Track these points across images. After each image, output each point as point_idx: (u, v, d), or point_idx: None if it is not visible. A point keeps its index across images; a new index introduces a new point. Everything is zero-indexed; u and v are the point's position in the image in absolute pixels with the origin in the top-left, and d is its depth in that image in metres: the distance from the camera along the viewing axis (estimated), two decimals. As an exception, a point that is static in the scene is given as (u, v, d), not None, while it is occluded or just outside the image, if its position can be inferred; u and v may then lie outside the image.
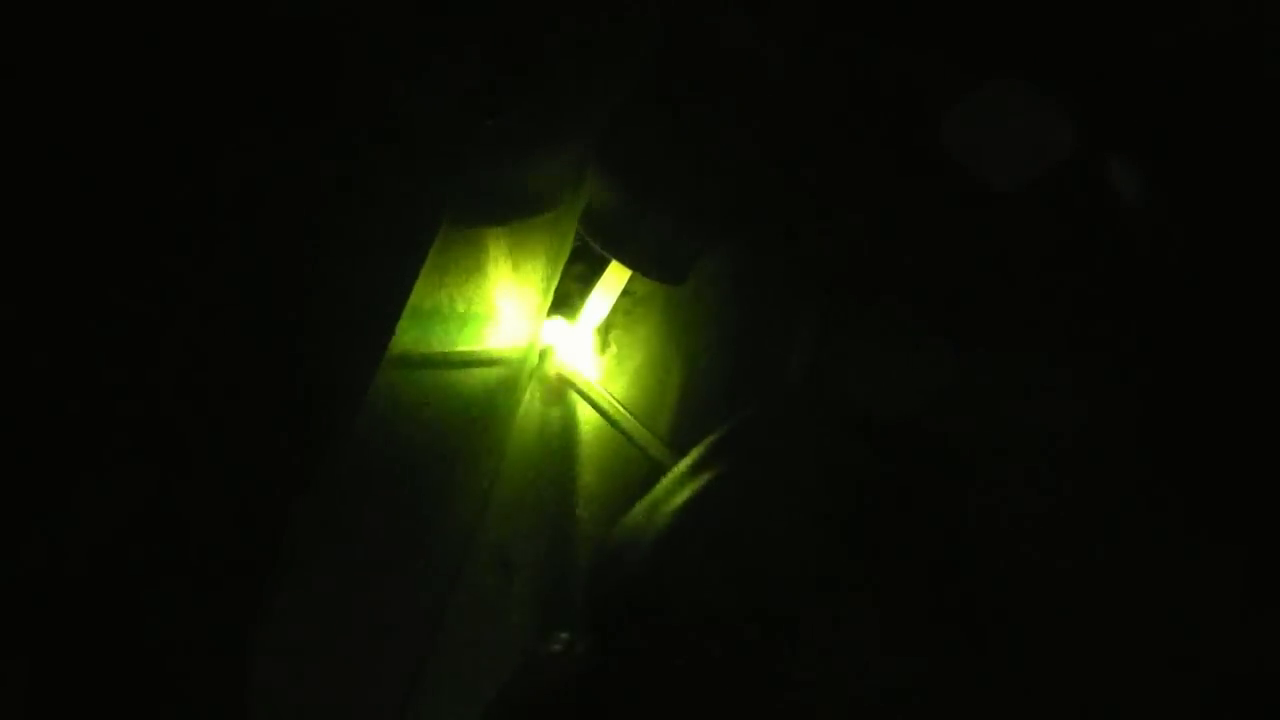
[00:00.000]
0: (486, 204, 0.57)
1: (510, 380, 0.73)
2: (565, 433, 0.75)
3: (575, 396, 0.75)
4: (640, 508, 0.55)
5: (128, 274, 0.47)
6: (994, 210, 0.53)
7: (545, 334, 0.76)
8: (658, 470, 0.68)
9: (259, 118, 0.48)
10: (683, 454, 0.66)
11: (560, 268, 0.75)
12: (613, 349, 0.79)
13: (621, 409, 0.73)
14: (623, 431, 0.72)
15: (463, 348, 0.61)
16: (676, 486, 0.55)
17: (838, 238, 0.62)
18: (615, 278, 0.72)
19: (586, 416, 0.75)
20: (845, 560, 0.49)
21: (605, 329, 0.78)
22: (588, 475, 0.73)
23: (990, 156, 0.52)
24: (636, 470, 0.71)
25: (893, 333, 0.56)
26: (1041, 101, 0.51)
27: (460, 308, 0.59)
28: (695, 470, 0.55)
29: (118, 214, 0.48)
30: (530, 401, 0.76)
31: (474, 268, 0.59)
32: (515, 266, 0.64)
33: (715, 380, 0.72)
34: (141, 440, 0.44)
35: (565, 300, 0.76)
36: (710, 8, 0.58)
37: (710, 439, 0.56)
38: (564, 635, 0.55)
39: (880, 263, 0.58)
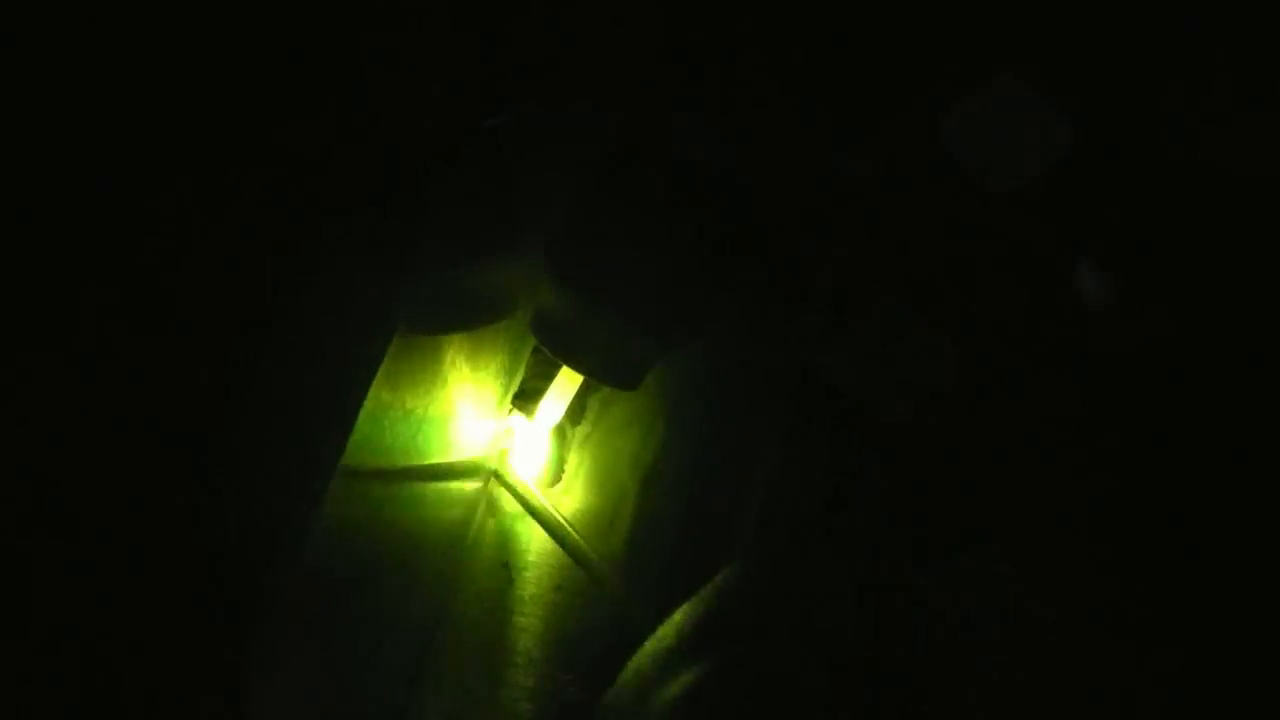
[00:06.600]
0: (442, 310, 0.58)
1: (466, 494, 0.72)
2: (517, 542, 0.74)
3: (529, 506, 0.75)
4: (634, 681, 0.55)
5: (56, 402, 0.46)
6: (994, 210, 0.53)
7: (503, 436, 0.76)
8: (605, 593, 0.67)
9: (209, 211, 0.48)
10: (637, 576, 0.65)
11: (520, 371, 0.75)
12: (572, 451, 0.79)
13: (568, 527, 0.72)
14: (569, 551, 0.71)
15: (419, 454, 0.61)
16: (670, 665, 0.54)
17: (798, 341, 0.62)
18: (568, 381, 0.72)
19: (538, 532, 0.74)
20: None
21: (563, 429, 0.78)
22: (535, 589, 0.71)
23: (990, 156, 0.52)
24: (587, 590, 0.70)
25: (893, 332, 0.55)
26: (1041, 101, 0.51)
27: (417, 412, 0.58)
28: (688, 651, 0.54)
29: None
30: (485, 513, 0.75)
31: (430, 373, 0.59)
32: (473, 370, 0.64)
33: (673, 491, 0.70)
34: (88, 562, 0.43)
35: (525, 398, 0.76)
36: (662, 109, 0.58)
37: (695, 608, 0.56)
38: None
39: (879, 263, 0.58)
